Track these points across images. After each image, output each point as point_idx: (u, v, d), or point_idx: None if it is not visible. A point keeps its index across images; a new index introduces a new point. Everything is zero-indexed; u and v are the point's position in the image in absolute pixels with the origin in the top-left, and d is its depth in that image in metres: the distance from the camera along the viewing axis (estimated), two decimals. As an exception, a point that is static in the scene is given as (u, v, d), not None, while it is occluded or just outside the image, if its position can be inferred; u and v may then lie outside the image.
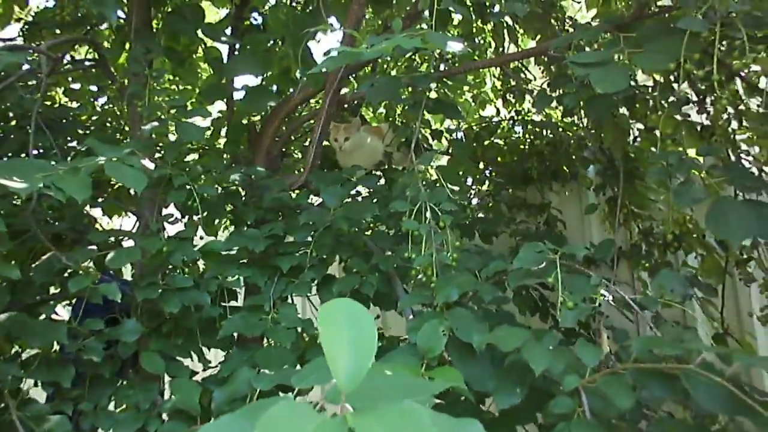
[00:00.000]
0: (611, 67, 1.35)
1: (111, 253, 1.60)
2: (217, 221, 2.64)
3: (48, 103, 2.54)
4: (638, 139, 2.17)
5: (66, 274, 1.57)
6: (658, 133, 1.63)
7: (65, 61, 2.36)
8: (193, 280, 1.69)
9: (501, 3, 2.16)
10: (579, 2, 2.94)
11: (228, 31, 2.81)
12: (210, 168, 2.15)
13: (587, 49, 1.73)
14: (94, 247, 1.66)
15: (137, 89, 1.96)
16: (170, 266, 1.78)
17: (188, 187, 1.89)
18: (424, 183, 1.68)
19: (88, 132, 2.81)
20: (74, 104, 2.91)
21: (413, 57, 3.29)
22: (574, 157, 2.83)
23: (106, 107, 2.87)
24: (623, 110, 1.99)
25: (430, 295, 1.48)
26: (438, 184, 2.31)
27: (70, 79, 2.70)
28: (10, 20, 2.62)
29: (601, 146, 2.18)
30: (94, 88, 2.72)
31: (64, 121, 2.10)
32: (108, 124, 2.82)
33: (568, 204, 3.06)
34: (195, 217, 1.99)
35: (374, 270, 1.88)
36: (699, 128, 1.68)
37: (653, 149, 1.83)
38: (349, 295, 1.89)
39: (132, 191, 2.26)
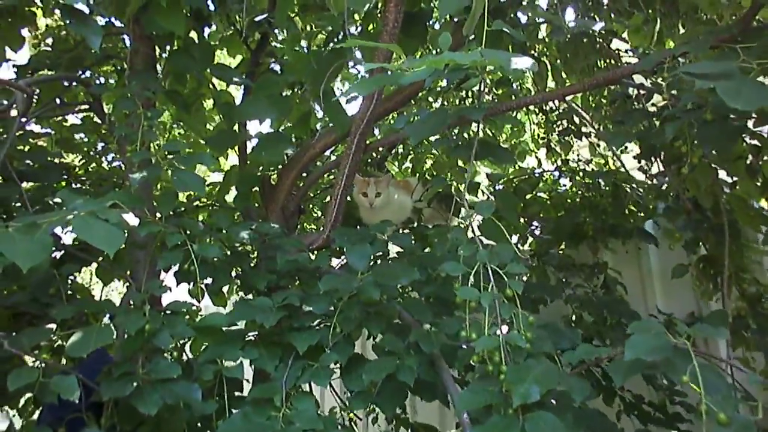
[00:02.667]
0: (742, 80, 1.00)
1: (73, 336, 1.23)
2: (226, 289, 2.28)
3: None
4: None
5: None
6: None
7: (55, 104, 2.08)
8: (182, 368, 1.30)
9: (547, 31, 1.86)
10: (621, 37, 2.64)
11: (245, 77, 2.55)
12: (215, 225, 1.82)
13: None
14: (52, 326, 1.30)
15: (128, 132, 1.64)
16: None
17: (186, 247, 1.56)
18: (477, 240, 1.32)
19: (86, 185, 2.53)
20: (71, 156, 2.63)
21: (453, 101, 2.99)
22: (632, 210, 2.46)
23: (109, 159, 2.58)
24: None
25: (499, 391, 1.08)
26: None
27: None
28: (2, 61, 2.37)
29: (683, 194, 1.81)
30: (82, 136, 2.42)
31: (37, 166, 1.77)
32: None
33: (625, 264, 2.67)
34: (192, 285, 1.63)
35: (413, 350, 1.49)
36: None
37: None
38: (383, 383, 1.50)
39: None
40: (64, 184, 2.43)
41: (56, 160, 2.52)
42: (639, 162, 2.03)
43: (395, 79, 1.10)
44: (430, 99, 3.26)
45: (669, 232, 2.15)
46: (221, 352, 1.47)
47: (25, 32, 2.45)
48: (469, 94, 1.68)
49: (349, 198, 3.07)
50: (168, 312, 1.45)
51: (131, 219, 1.37)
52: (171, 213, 2.62)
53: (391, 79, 1.11)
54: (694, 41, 1.27)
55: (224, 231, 1.78)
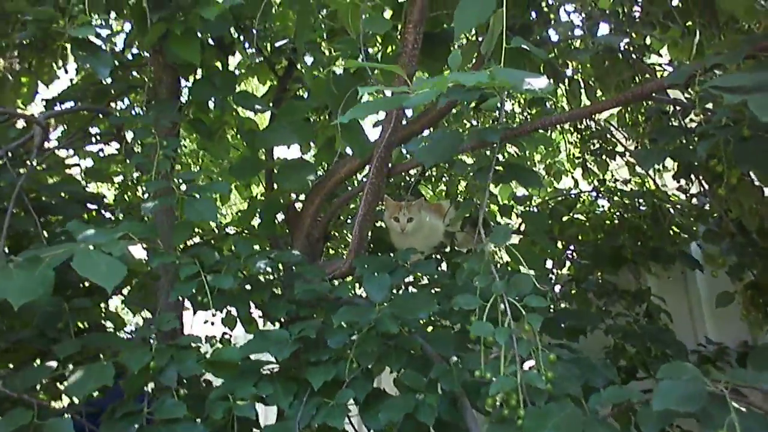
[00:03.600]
0: (779, 92, 0.90)
1: (73, 375, 1.20)
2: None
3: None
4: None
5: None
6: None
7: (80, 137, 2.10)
8: (187, 406, 1.25)
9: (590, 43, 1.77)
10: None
11: (271, 105, 2.54)
12: (236, 254, 1.78)
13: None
14: (53, 364, 1.27)
15: (143, 162, 1.63)
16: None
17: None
18: (496, 269, 1.23)
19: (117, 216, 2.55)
20: (101, 188, 2.66)
21: (476, 124, 2.91)
22: (675, 231, 2.32)
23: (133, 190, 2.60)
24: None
25: (516, 438, 0.99)
26: (510, 270, 1.85)
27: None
28: (33, 97, 2.42)
29: (726, 215, 1.68)
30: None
31: (53, 202, 1.77)
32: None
33: (671, 290, 2.51)
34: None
35: (435, 386, 1.41)
36: None
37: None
38: (404, 422, 1.41)
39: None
40: (94, 214, 2.46)
41: (89, 190, 2.57)
42: (678, 181, 1.91)
43: (398, 102, 1.03)
44: (464, 121, 3.20)
45: (711, 257, 2.01)
46: (233, 388, 1.42)
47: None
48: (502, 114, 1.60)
49: (381, 223, 3.02)
50: (179, 346, 1.41)
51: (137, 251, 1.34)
52: (199, 243, 2.64)
53: (393, 101, 1.05)
54: (729, 51, 1.17)
55: (242, 260, 1.74)
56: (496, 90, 1.32)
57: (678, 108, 1.52)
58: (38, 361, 1.56)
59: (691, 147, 1.35)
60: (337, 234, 3.08)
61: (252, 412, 1.34)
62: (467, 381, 1.38)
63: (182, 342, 1.42)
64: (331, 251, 3.17)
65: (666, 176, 2.44)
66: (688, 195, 2.11)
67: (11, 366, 1.55)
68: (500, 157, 2.94)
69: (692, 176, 1.76)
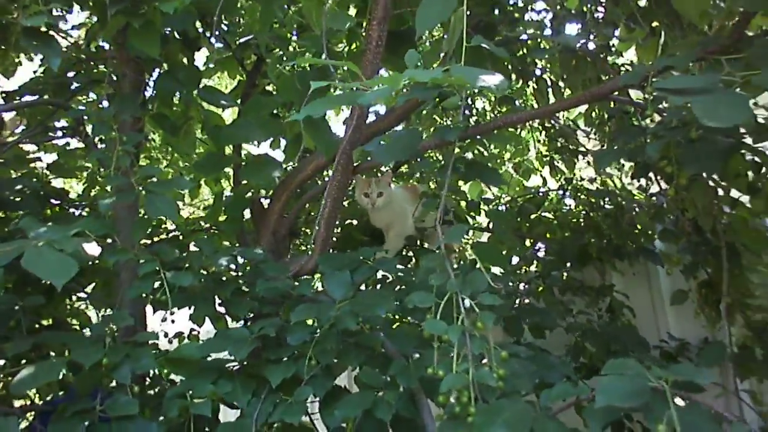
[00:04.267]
0: (720, 94, 0.91)
1: (21, 372, 1.17)
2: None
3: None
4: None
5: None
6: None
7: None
8: (148, 405, 1.24)
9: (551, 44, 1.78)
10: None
11: (240, 100, 2.52)
12: (199, 252, 1.77)
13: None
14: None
15: (102, 157, 1.60)
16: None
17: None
18: (456, 267, 1.24)
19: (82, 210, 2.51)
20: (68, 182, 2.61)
21: (447, 116, 2.91)
22: (638, 230, 2.35)
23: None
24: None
25: (466, 434, 1.00)
26: (477, 268, 1.86)
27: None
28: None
29: (682, 214, 1.71)
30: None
31: (13, 197, 1.73)
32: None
33: (635, 287, 2.55)
34: (167, 313, 1.58)
35: (394, 383, 1.41)
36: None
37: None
38: (363, 419, 1.42)
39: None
40: (58, 209, 2.42)
41: (56, 185, 2.52)
42: (638, 181, 1.94)
43: (353, 99, 1.03)
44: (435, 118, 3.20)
45: (667, 256, 2.04)
46: (191, 385, 1.40)
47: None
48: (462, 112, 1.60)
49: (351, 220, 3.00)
50: (136, 343, 1.40)
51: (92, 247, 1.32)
52: (166, 239, 2.60)
53: (349, 98, 1.04)
54: (680, 54, 1.19)
55: (204, 257, 1.73)
56: (455, 88, 1.33)
57: (637, 108, 1.54)
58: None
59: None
60: (308, 231, 3.07)
61: (208, 410, 1.33)
62: (425, 378, 1.39)
63: (139, 339, 1.41)
64: (303, 248, 3.16)
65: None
66: (648, 194, 2.14)
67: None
68: (470, 154, 2.97)
69: (651, 176, 1.79)
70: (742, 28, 1.22)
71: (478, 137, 1.71)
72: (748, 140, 1.41)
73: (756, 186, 1.44)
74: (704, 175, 1.32)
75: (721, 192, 1.47)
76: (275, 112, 2.39)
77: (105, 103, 2.65)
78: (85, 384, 1.26)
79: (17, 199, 1.76)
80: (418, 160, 2.07)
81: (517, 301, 2.31)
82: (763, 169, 1.41)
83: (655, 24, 2.21)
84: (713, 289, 1.61)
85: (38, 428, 1.31)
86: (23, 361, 1.49)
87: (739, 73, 0.96)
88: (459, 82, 1.07)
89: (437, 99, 1.35)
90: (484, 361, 1.13)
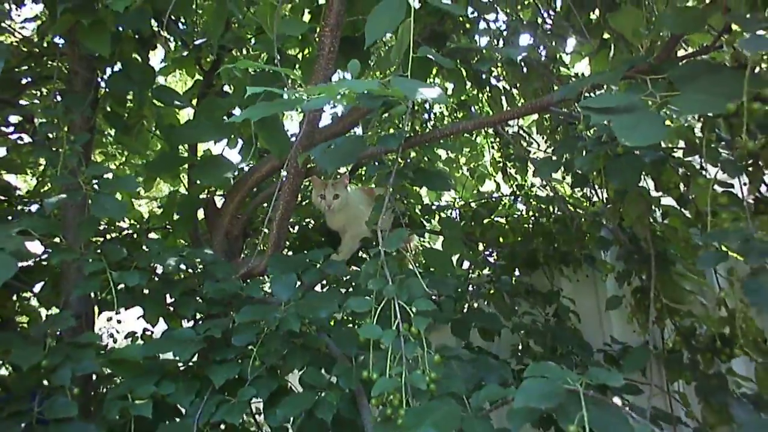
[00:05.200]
0: (640, 114, 0.97)
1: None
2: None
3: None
4: (658, 213, 1.78)
5: None
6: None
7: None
8: (82, 407, 1.24)
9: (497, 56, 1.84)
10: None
11: (196, 99, 2.51)
12: (147, 252, 1.76)
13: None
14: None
15: (49, 156, 1.59)
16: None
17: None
18: (400, 273, 1.27)
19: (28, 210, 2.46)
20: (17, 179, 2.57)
21: (400, 128, 2.96)
22: (587, 236, 2.42)
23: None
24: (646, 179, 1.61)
25: (396, 435, 1.03)
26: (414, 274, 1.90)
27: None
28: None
29: (620, 224, 1.78)
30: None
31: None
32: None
33: (582, 292, 2.63)
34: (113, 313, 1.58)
35: (337, 385, 1.44)
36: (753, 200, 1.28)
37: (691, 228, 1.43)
38: (305, 419, 1.44)
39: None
40: (6, 205, 2.38)
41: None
42: (580, 190, 2.01)
43: (293, 105, 1.06)
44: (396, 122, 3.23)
45: (602, 263, 2.12)
46: (133, 386, 1.41)
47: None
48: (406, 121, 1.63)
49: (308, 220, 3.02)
50: (77, 344, 1.39)
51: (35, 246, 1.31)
52: (119, 237, 2.58)
53: (289, 104, 1.07)
54: (610, 71, 1.25)
55: (152, 257, 1.73)
56: (400, 98, 1.36)
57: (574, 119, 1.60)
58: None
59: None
60: (264, 230, 3.07)
61: (149, 411, 1.34)
62: (366, 379, 1.42)
63: (82, 340, 1.40)
64: (263, 248, 3.17)
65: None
66: (591, 202, 2.22)
67: None
68: (427, 158, 3.02)
69: (592, 183, 1.86)
70: (670, 48, 1.29)
71: (428, 144, 1.75)
72: (679, 153, 1.49)
73: (687, 197, 1.52)
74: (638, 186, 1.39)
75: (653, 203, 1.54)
76: (230, 113, 2.40)
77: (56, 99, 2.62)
78: (22, 385, 1.26)
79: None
80: (375, 163, 2.11)
81: (466, 305, 2.35)
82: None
83: (606, 36, 2.30)
84: (645, 295, 1.69)
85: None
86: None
87: (660, 94, 1.01)
88: (397, 94, 1.10)
89: (384, 107, 1.38)
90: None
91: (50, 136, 1.69)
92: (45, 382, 1.31)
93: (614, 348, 2.41)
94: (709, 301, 1.70)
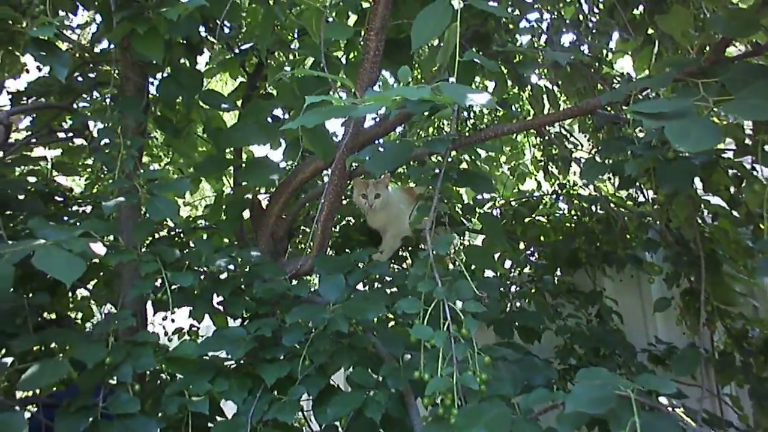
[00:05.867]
0: (693, 119, 0.97)
1: (29, 370, 1.23)
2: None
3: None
4: (707, 214, 1.75)
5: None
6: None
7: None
8: (142, 402, 1.29)
9: (540, 58, 1.84)
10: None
11: (240, 102, 2.56)
12: (198, 252, 1.82)
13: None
14: (7, 361, 1.30)
15: (107, 160, 1.66)
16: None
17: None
18: (446, 274, 1.29)
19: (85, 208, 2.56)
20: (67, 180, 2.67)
21: (441, 125, 2.98)
22: (629, 237, 2.40)
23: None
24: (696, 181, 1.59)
25: (448, 435, 1.06)
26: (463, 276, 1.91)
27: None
28: (0, 89, 2.42)
29: (668, 225, 1.76)
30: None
31: (18, 196, 1.79)
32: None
33: (624, 292, 2.60)
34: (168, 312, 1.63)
35: (385, 384, 1.47)
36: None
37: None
38: (354, 418, 1.47)
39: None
40: (61, 206, 2.47)
41: (59, 182, 2.58)
42: (627, 190, 1.99)
43: (345, 112, 1.09)
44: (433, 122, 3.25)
45: (649, 264, 2.09)
46: (189, 383, 1.46)
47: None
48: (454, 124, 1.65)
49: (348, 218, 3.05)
50: (136, 342, 1.45)
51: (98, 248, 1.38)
52: (167, 236, 2.66)
53: (341, 111, 1.10)
54: (659, 75, 1.24)
55: (203, 258, 1.78)
56: (449, 104, 1.38)
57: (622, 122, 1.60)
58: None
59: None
60: (306, 229, 3.12)
61: (206, 408, 1.38)
62: (414, 379, 1.44)
63: (139, 338, 1.46)
64: (301, 246, 3.22)
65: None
66: (636, 203, 2.19)
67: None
68: (465, 158, 3.02)
69: (638, 185, 1.84)
70: (720, 50, 1.27)
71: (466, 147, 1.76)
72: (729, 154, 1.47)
73: (737, 198, 1.50)
74: (686, 188, 1.37)
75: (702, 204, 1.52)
76: (275, 115, 2.45)
77: (105, 105, 2.71)
78: (89, 381, 1.32)
79: (22, 198, 1.81)
80: (415, 164, 2.13)
81: (509, 305, 2.36)
82: (744, 183, 1.47)
83: (650, 32, 2.27)
84: (695, 297, 1.67)
85: (42, 421, 1.36)
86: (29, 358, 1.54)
87: (713, 99, 1.01)
88: (447, 101, 1.12)
89: (430, 111, 1.40)
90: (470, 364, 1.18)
91: (107, 141, 1.75)
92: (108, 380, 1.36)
93: (658, 348, 2.39)
94: (760, 303, 1.68)
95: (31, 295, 1.62)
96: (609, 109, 1.71)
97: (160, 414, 1.41)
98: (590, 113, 1.46)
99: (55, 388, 1.80)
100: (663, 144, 1.19)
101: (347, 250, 2.81)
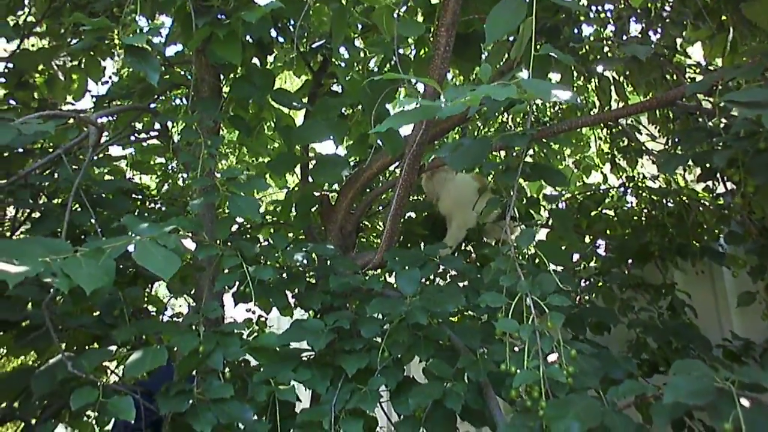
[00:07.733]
0: (792, 108, 0.95)
1: (131, 357, 1.31)
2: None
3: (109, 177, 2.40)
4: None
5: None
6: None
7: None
8: (235, 389, 1.36)
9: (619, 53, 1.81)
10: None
11: (306, 99, 2.62)
12: (273, 247, 1.88)
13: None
14: (113, 348, 1.39)
15: (190, 159, 1.73)
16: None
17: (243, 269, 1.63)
18: (522, 266, 1.30)
19: (159, 205, 2.67)
20: (142, 178, 2.79)
21: (505, 120, 2.96)
22: (700, 230, 2.34)
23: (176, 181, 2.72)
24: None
25: (539, 427, 1.07)
26: (537, 263, 1.91)
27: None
28: (84, 92, 2.55)
29: (750, 217, 1.71)
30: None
31: (110, 196, 1.88)
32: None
33: (697, 286, 2.54)
34: (250, 305, 1.70)
35: (462, 375, 1.49)
36: None
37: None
38: (432, 408, 1.50)
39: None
40: (139, 203, 2.59)
41: (134, 180, 2.70)
42: (704, 182, 1.94)
43: (430, 113, 1.11)
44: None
45: (733, 257, 2.04)
46: (274, 372, 1.52)
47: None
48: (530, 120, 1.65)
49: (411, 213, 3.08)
50: (224, 332, 1.52)
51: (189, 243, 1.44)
52: (237, 231, 2.75)
53: (426, 112, 1.12)
54: (748, 64, 1.21)
55: (279, 253, 1.84)
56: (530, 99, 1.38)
57: (703, 113, 1.56)
58: (96, 345, 1.69)
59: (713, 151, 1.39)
60: (368, 224, 3.16)
61: (294, 397, 1.44)
62: (492, 371, 1.46)
63: (226, 328, 1.53)
64: (362, 240, 3.27)
65: (696, 172, 2.46)
66: (713, 194, 2.14)
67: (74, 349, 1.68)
68: (532, 151, 3.00)
69: (718, 176, 1.80)
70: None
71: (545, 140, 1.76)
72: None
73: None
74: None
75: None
76: (342, 112, 2.49)
77: (180, 105, 2.81)
78: (185, 368, 1.39)
79: (108, 198, 1.91)
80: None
81: (577, 299, 2.34)
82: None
83: (723, 18, 2.20)
84: (779, 291, 1.62)
85: (142, 405, 1.44)
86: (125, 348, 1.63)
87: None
88: (531, 97, 1.13)
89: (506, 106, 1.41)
90: (551, 358, 1.19)
91: (188, 141, 1.83)
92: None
93: (735, 344, 2.32)
94: None
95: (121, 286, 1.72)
96: (684, 99, 1.68)
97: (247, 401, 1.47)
98: (671, 104, 1.44)
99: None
100: (753, 135, 1.17)
101: (408, 245, 2.84)
